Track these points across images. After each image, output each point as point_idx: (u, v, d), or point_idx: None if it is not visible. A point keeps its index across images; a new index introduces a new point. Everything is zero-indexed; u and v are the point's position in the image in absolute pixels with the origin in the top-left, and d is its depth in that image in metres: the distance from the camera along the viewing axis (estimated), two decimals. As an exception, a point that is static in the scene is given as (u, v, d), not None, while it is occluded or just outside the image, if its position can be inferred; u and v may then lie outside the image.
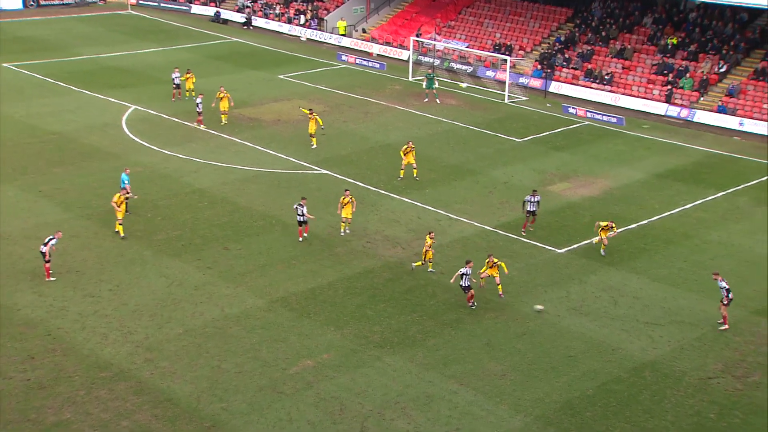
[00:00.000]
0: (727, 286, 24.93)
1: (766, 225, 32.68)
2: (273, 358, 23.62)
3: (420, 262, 28.64)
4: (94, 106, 46.56)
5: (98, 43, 61.69)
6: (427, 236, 28.52)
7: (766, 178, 37.80)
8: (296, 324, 25.43)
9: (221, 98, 43.78)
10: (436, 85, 49.40)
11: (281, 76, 54.41)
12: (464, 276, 25.88)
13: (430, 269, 28.53)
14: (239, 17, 70.91)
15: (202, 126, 42.96)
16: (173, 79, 47.52)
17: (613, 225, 29.80)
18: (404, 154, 36.39)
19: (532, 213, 31.55)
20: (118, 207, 30.58)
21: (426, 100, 48.83)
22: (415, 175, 36.51)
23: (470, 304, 26.13)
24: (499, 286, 26.81)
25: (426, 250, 28.40)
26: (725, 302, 25.01)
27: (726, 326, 25.06)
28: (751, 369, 23.23)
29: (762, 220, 33.22)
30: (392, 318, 25.83)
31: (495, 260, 26.82)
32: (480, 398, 21.96)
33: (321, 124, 40.89)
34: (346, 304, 26.60)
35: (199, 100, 43.12)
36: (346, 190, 32.26)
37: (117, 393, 21.89)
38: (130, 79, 52.14)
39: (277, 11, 70.07)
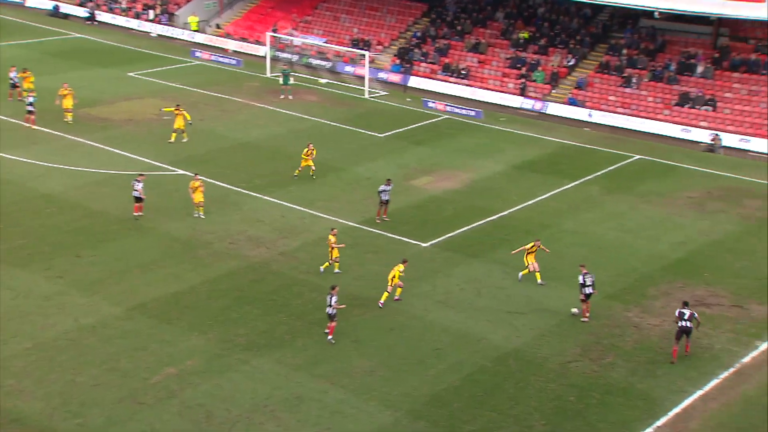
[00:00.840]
0: (581, 281, 25.62)
1: (615, 212, 34.61)
2: (132, 368, 22.79)
3: (327, 263, 28.34)
4: None
5: None
6: (330, 234, 28.26)
7: (614, 167, 40.03)
8: (157, 331, 24.65)
9: (65, 95, 41.92)
10: (291, 82, 49.16)
11: (132, 74, 52.55)
12: (331, 304, 24.06)
13: (336, 270, 28.19)
14: (82, 12, 67.85)
15: (33, 126, 40.77)
16: (11, 78, 44.88)
17: (540, 244, 28.32)
18: (305, 156, 35.98)
19: (386, 203, 32.14)
20: None
21: (282, 96, 48.56)
22: (311, 174, 36.30)
23: (330, 337, 24.31)
24: (399, 290, 26.60)
25: (331, 249, 28.12)
26: (581, 297, 25.96)
27: (585, 319, 25.84)
28: (606, 351, 24.52)
29: (611, 208, 35.16)
30: (258, 320, 25.51)
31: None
32: (350, 396, 22.06)
33: (189, 118, 40.45)
34: (209, 308, 26.04)
35: (30, 99, 40.96)
36: (196, 173, 32.50)
37: (-41, 418, 20.46)
38: (-39, 78, 48.82)
39: (124, 6, 67.55)
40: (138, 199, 31.69)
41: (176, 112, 40.16)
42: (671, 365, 23.72)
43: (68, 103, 41.93)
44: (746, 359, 24.20)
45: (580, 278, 25.77)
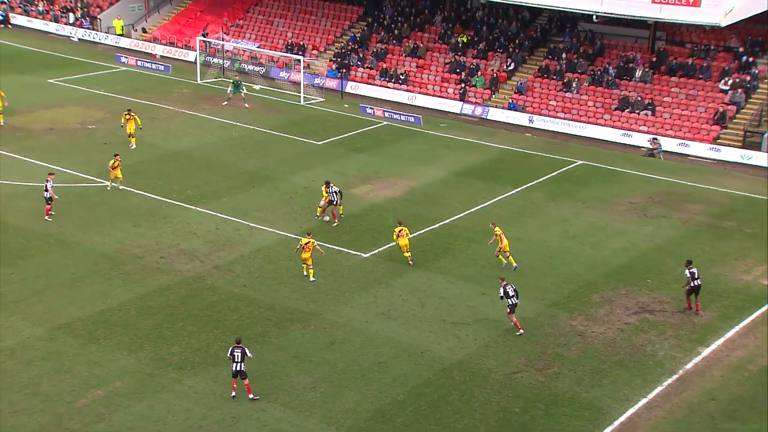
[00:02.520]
0: (502, 293, 25.72)
1: (558, 219, 35.23)
2: (56, 392, 22.24)
3: (311, 270, 28.83)
4: None
5: None
6: (307, 237, 28.78)
7: (556, 173, 40.76)
8: (83, 351, 24.12)
9: None
10: (245, 91, 48.55)
11: (52, 81, 51.46)
12: (236, 360, 22.14)
13: (305, 273, 28.77)
14: None
15: None
16: None
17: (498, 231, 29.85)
18: (326, 193, 33.35)
19: (333, 203, 32.71)
20: None
21: (225, 103, 48.07)
22: (340, 212, 33.49)
23: (251, 396, 22.34)
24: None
25: (299, 248, 28.61)
26: (506, 310, 25.95)
27: (521, 331, 25.97)
28: (551, 361, 24.89)
29: (555, 214, 35.77)
30: (192, 336, 25.18)
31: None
32: (289, 414, 21.92)
33: (140, 123, 40.82)
34: (140, 326, 25.60)
35: None
36: (116, 155, 35.05)
37: None
38: None
39: (41, 8, 66.09)
40: (48, 200, 31.96)
41: (127, 116, 40.54)
42: (617, 373, 24.25)
43: None
44: (689, 366, 24.85)
45: (501, 290, 25.77)
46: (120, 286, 27.90)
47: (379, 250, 31.40)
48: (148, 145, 41.25)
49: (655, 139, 44.50)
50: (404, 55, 54.72)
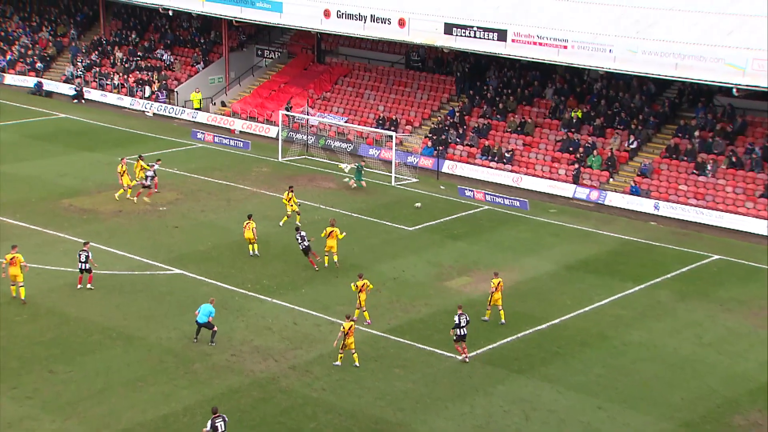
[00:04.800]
0: (456, 321, 29.76)
1: (689, 322, 34.22)
2: (113, 508, 22.51)
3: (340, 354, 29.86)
4: None
5: None
6: (347, 322, 29.77)
7: (687, 268, 39.81)
8: (143, 461, 24.44)
9: (122, 173, 45.56)
10: (364, 183, 49.52)
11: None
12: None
13: (354, 363, 29.58)
14: (67, 89, 70.11)
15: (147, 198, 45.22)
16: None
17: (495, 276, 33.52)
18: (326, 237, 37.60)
19: (307, 250, 37.10)
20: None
21: (354, 186, 49.13)
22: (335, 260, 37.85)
23: None
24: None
25: (341, 335, 29.48)
26: (453, 336, 29.86)
27: (463, 356, 29.80)
28: (684, 490, 23.90)
29: (685, 316, 34.80)
30: (263, 448, 25.26)
31: None
32: None
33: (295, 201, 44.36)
34: (205, 434, 25.82)
35: (150, 173, 45.39)
36: (250, 215, 39.68)
37: None
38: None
39: (116, 82, 69.64)
40: (84, 272, 34.65)
41: (289, 195, 43.49)
42: None
43: (126, 180, 45.55)
44: None
45: (456, 318, 29.84)
46: (186, 387, 28.32)
47: (478, 352, 31.09)
48: (222, 229, 42.35)
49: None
50: (509, 131, 55.10)
